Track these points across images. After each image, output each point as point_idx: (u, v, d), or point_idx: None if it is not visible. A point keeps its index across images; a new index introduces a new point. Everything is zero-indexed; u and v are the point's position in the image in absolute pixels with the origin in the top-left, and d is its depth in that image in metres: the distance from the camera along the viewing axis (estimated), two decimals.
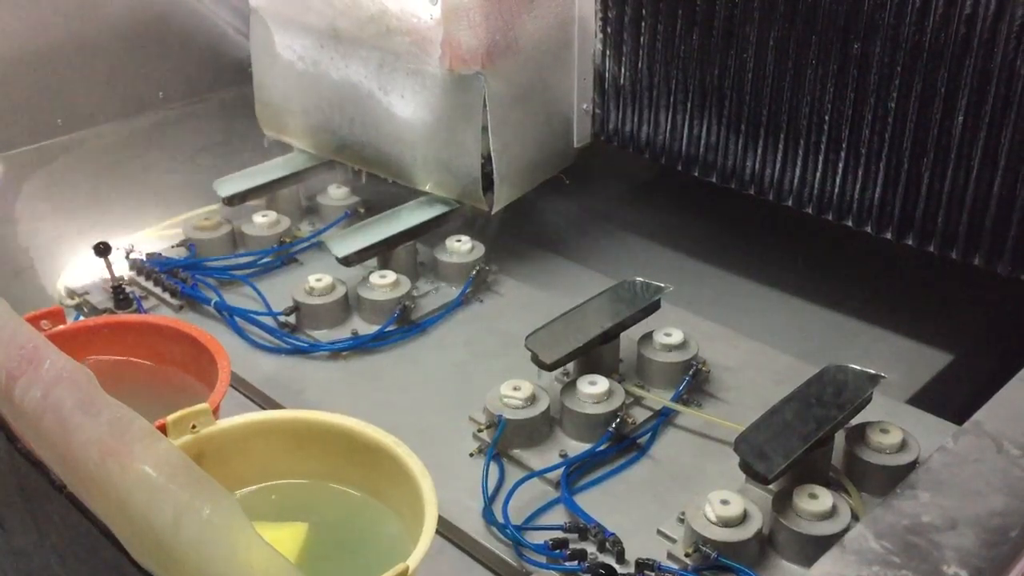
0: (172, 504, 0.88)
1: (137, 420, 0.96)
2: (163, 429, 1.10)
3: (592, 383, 1.50)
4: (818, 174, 1.72)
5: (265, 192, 2.05)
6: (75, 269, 1.89)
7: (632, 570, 1.27)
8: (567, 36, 1.92)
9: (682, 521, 1.31)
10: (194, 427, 1.14)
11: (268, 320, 1.77)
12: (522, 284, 1.93)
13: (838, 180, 1.69)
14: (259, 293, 1.84)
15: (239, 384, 1.64)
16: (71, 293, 1.84)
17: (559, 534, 1.32)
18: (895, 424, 1.40)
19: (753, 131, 1.78)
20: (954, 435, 1.03)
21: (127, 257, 1.88)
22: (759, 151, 1.78)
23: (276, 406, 1.59)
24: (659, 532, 1.34)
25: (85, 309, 1.80)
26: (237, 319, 1.77)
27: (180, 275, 1.85)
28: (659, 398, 1.56)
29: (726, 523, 1.27)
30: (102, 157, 2.27)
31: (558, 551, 1.29)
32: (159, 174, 2.27)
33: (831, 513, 1.27)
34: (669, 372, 1.59)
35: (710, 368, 1.63)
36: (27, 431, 1.02)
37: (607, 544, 1.30)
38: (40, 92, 2.22)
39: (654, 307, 1.64)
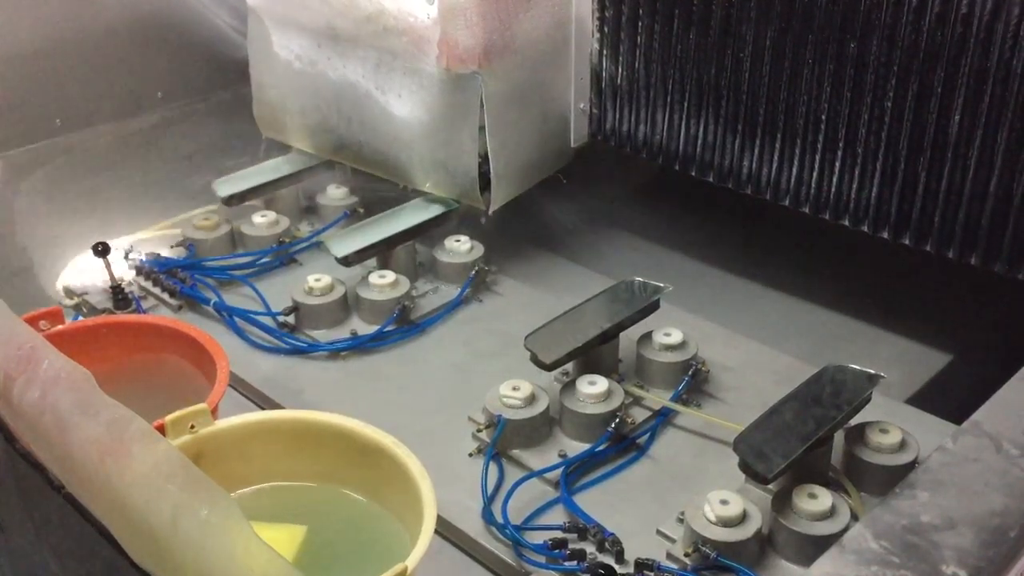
0: (170, 504, 0.88)
1: (136, 420, 0.95)
2: (162, 429, 1.10)
3: (591, 383, 1.50)
4: (815, 173, 1.72)
5: (264, 192, 2.05)
6: (74, 269, 1.89)
7: (631, 570, 1.27)
8: (564, 36, 1.92)
9: (681, 521, 1.31)
10: (193, 427, 1.14)
11: (267, 320, 1.77)
12: (521, 284, 1.93)
13: (835, 179, 1.70)
14: (258, 293, 1.84)
15: (238, 384, 1.64)
16: (70, 293, 1.84)
17: (558, 534, 1.32)
18: (894, 424, 1.40)
19: (750, 130, 1.78)
20: (953, 435, 1.03)
21: (126, 257, 1.88)
22: (756, 150, 1.78)
23: (275, 406, 1.59)
24: (658, 532, 1.34)
25: (84, 309, 1.80)
26: (236, 319, 1.77)
27: (179, 275, 1.85)
28: (658, 398, 1.56)
29: (725, 523, 1.27)
30: (101, 157, 2.27)
31: (557, 551, 1.29)
32: (158, 174, 2.27)
33: (830, 513, 1.27)
34: (668, 372, 1.59)
35: (709, 368, 1.63)
36: (25, 431, 1.02)
37: (606, 544, 1.30)
38: (39, 92, 2.22)
39: (653, 307, 1.64)
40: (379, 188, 2.05)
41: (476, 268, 1.88)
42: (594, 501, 1.40)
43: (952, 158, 1.56)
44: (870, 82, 1.60)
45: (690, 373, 1.59)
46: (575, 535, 1.32)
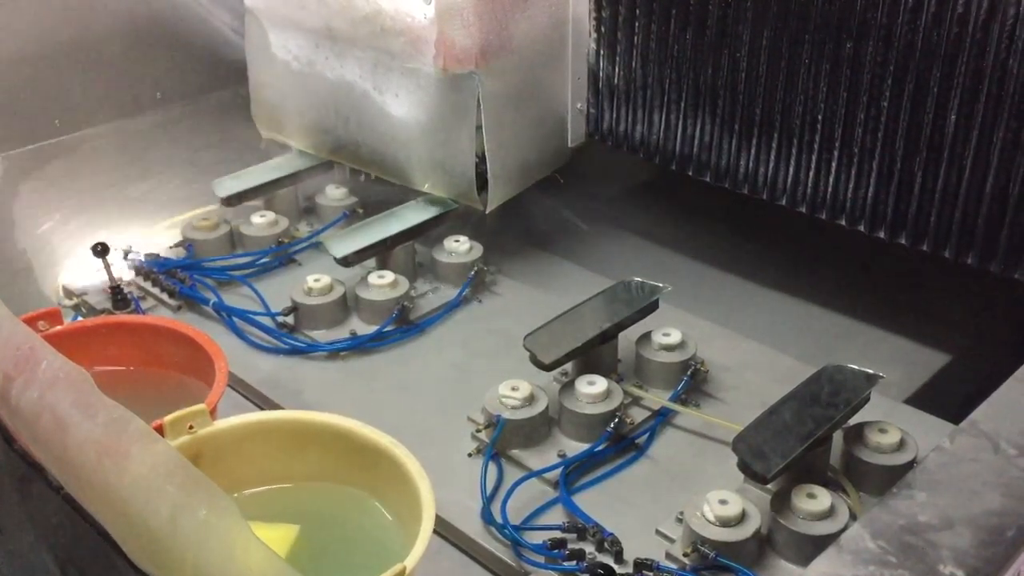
0: (169, 505, 0.88)
1: (134, 421, 0.95)
2: (160, 430, 1.10)
3: (590, 383, 1.50)
4: (812, 173, 1.72)
5: (263, 192, 2.05)
6: (73, 270, 1.89)
7: (631, 570, 1.27)
8: (561, 36, 1.92)
9: (680, 521, 1.31)
10: (191, 428, 1.14)
11: (266, 320, 1.77)
12: (520, 284, 1.93)
13: (831, 179, 1.70)
14: (257, 293, 1.84)
15: (237, 384, 1.64)
16: (69, 293, 1.84)
17: (558, 534, 1.32)
18: (893, 424, 1.40)
19: (746, 130, 1.78)
20: (951, 435, 1.03)
21: (125, 258, 1.88)
22: (752, 150, 1.78)
23: (275, 406, 1.59)
24: (658, 532, 1.34)
25: (83, 310, 1.80)
26: (235, 319, 1.77)
27: (178, 275, 1.85)
28: (657, 398, 1.56)
29: (724, 523, 1.27)
30: (100, 158, 2.27)
31: (556, 551, 1.29)
32: (157, 174, 2.27)
33: (829, 513, 1.27)
34: (667, 372, 1.59)
35: (708, 368, 1.63)
36: (24, 432, 1.02)
37: (605, 544, 1.30)
38: (38, 93, 2.22)
39: (652, 307, 1.64)
40: (378, 188, 2.05)
41: (475, 268, 1.88)
42: (593, 501, 1.40)
43: (948, 158, 1.56)
44: (866, 82, 1.61)
45: (689, 373, 1.59)
46: (574, 535, 1.32)
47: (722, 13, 1.74)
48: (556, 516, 1.38)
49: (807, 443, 1.30)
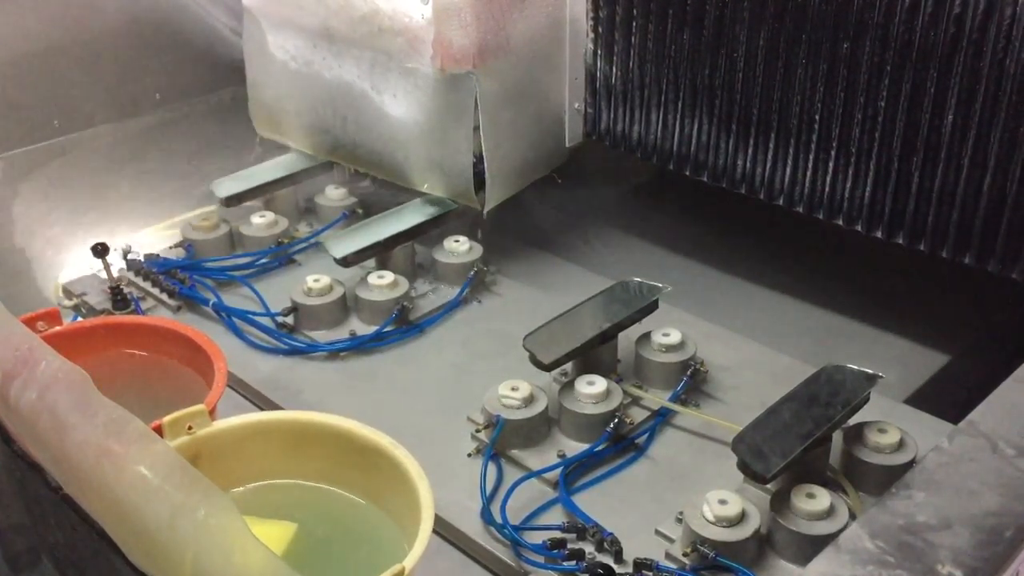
0: (168, 505, 0.88)
1: (133, 421, 0.96)
2: (159, 430, 1.10)
3: (590, 383, 1.50)
4: (808, 173, 1.72)
5: (263, 193, 2.05)
6: (73, 270, 1.89)
7: (630, 570, 1.27)
8: (559, 36, 1.93)
9: (680, 521, 1.31)
10: (190, 428, 1.14)
11: (266, 321, 1.77)
12: (520, 285, 1.93)
13: (828, 179, 1.70)
14: (257, 294, 1.84)
15: (237, 385, 1.64)
16: (69, 294, 1.84)
17: (557, 534, 1.32)
18: (893, 424, 1.40)
19: (744, 130, 1.78)
20: (949, 435, 1.03)
21: (125, 258, 1.88)
22: (750, 150, 1.78)
23: (274, 407, 1.59)
24: (657, 532, 1.34)
25: (83, 310, 1.80)
26: (235, 320, 1.77)
27: (178, 276, 1.85)
28: (657, 398, 1.56)
29: (724, 523, 1.27)
30: (99, 158, 2.27)
31: (556, 551, 1.29)
32: (156, 175, 2.27)
33: (829, 513, 1.27)
34: (667, 372, 1.59)
35: (708, 368, 1.63)
36: (23, 432, 1.02)
37: (605, 544, 1.30)
38: (37, 93, 2.22)
39: (652, 307, 1.64)
40: (378, 189, 2.05)
41: (475, 269, 1.88)
42: (593, 501, 1.40)
43: (945, 158, 1.56)
44: (863, 82, 1.61)
45: (689, 373, 1.59)
46: (574, 535, 1.32)
47: (719, 13, 1.75)
48: (556, 516, 1.38)
49: (807, 443, 1.30)
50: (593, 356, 1.58)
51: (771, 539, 1.30)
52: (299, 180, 2.11)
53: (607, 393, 1.50)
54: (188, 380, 1.41)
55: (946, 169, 1.56)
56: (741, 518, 1.27)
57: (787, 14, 1.66)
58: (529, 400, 1.48)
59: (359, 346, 1.73)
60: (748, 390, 1.60)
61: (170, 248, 1.96)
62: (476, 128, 1.82)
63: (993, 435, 1.02)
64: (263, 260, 1.95)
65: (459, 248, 1.90)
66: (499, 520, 1.34)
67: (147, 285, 1.86)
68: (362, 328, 1.76)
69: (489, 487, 1.40)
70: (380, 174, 2.01)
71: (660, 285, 1.65)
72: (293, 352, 1.73)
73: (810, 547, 1.25)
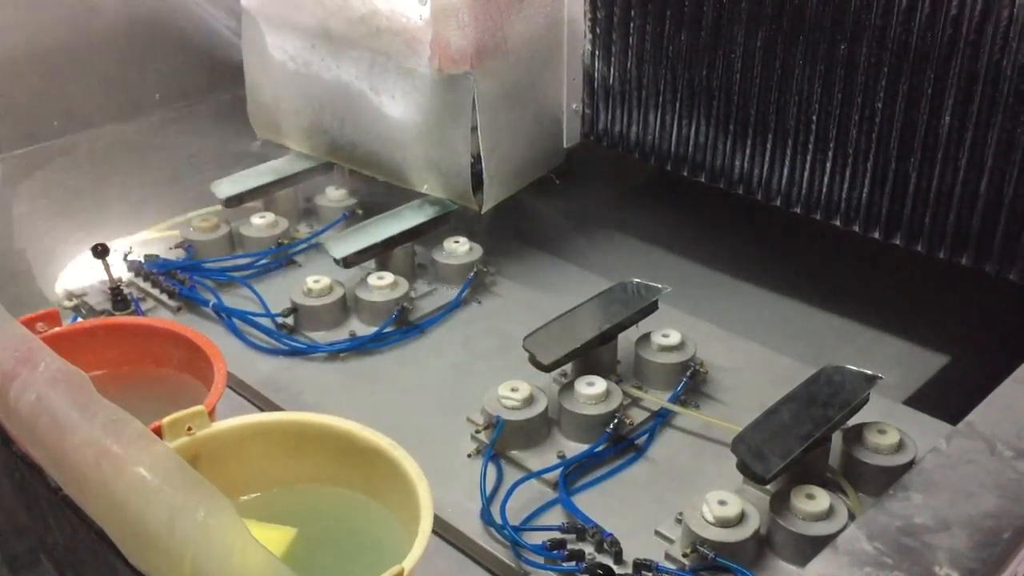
0: (167, 506, 0.88)
1: (132, 422, 0.96)
2: (159, 431, 1.10)
3: (590, 384, 1.50)
4: (806, 174, 1.72)
5: (263, 194, 2.05)
6: (73, 271, 1.89)
7: (630, 570, 1.27)
8: (556, 37, 1.93)
9: (680, 521, 1.31)
10: (190, 429, 1.14)
11: (266, 321, 1.77)
12: (520, 285, 1.93)
13: (826, 179, 1.70)
14: (257, 294, 1.84)
15: (237, 386, 1.64)
16: (69, 295, 1.84)
17: (557, 535, 1.32)
18: (892, 425, 1.40)
19: (741, 131, 1.78)
20: (947, 436, 1.03)
21: (125, 259, 1.88)
22: (747, 151, 1.79)
23: (274, 408, 1.59)
24: (657, 533, 1.34)
25: (83, 311, 1.80)
26: (235, 320, 1.77)
27: (178, 277, 1.86)
28: (657, 399, 1.56)
29: (724, 523, 1.27)
30: (99, 159, 2.27)
31: (556, 551, 1.29)
32: (156, 176, 2.27)
33: (828, 513, 1.27)
34: (667, 373, 1.59)
35: (708, 369, 1.63)
36: (22, 433, 1.02)
37: (605, 545, 1.30)
38: (37, 94, 2.22)
39: (652, 308, 1.64)
40: (378, 190, 2.06)
41: (475, 269, 1.88)
42: (592, 502, 1.40)
43: (942, 159, 1.56)
44: (860, 83, 1.61)
45: (688, 374, 1.59)
46: (574, 536, 1.32)
47: (717, 14, 1.75)
48: (555, 517, 1.38)
49: (806, 444, 1.30)
50: (593, 357, 1.58)
51: (770, 540, 1.30)
52: (299, 181, 2.11)
53: (607, 394, 1.50)
54: (187, 381, 1.41)
55: (943, 170, 1.57)
56: (741, 519, 1.27)
57: (785, 15, 1.66)
58: (529, 401, 1.48)
59: (359, 347, 1.73)
60: (747, 391, 1.60)
61: (170, 249, 1.96)
62: (474, 128, 1.82)
63: (991, 437, 1.02)
64: (263, 261, 1.95)
65: (459, 249, 1.90)
66: (499, 521, 1.34)
67: (147, 286, 1.86)
68: (362, 329, 1.76)
69: (489, 488, 1.40)
70: (379, 175, 2.02)
71: (660, 286, 1.65)
72: (293, 353, 1.73)
73: (810, 548, 1.25)
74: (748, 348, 1.73)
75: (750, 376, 1.65)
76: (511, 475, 1.44)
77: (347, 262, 1.80)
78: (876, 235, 1.67)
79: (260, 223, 1.99)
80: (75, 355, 1.10)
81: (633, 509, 1.39)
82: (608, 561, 1.29)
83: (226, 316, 1.78)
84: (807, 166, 1.71)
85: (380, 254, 1.85)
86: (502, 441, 1.47)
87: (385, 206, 1.96)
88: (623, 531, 1.32)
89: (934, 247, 1.61)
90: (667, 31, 1.83)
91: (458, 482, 1.42)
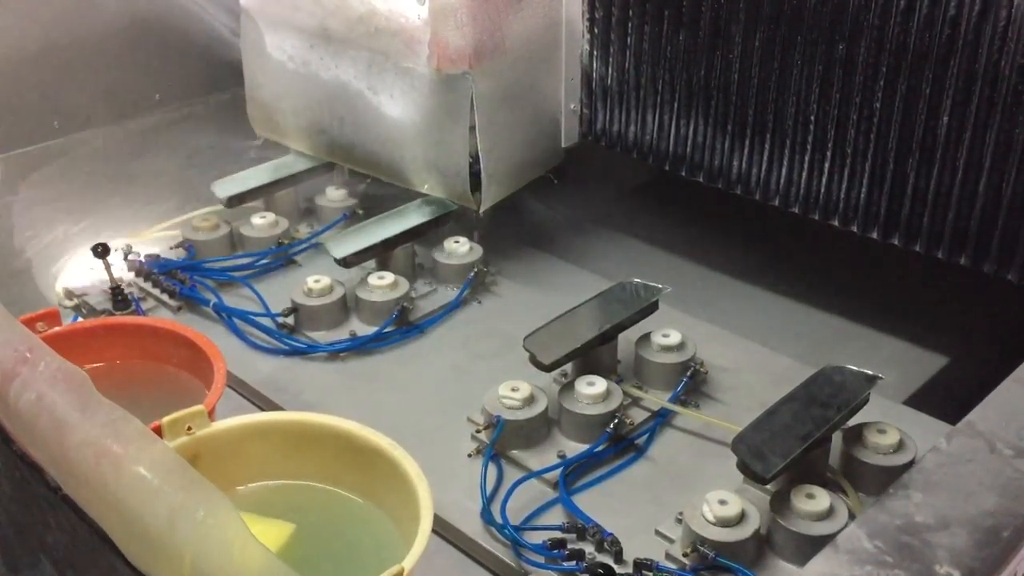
0: (167, 506, 0.88)
1: (132, 422, 0.96)
2: (158, 431, 1.10)
3: (590, 384, 1.50)
4: (804, 174, 1.72)
5: (263, 194, 2.05)
6: (74, 271, 1.89)
7: (630, 570, 1.28)
8: (554, 37, 1.93)
9: (680, 521, 1.31)
10: (189, 429, 1.14)
11: (266, 321, 1.77)
12: (520, 285, 1.93)
13: (824, 180, 1.70)
14: (257, 294, 1.84)
15: (237, 385, 1.64)
16: (70, 294, 1.84)
17: (557, 534, 1.32)
18: (892, 425, 1.40)
19: (739, 131, 1.78)
20: (947, 435, 1.03)
21: (126, 259, 1.88)
22: (745, 151, 1.79)
23: (275, 407, 1.59)
24: (657, 532, 1.34)
25: (84, 310, 1.80)
26: (236, 320, 1.77)
27: (179, 276, 1.86)
28: (657, 399, 1.56)
29: (724, 523, 1.27)
30: (99, 159, 2.27)
31: (556, 551, 1.29)
32: (157, 176, 2.27)
33: (828, 513, 1.28)
34: (667, 373, 1.59)
35: (708, 369, 1.63)
36: (22, 433, 1.02)
37: (605, 544, 1.30)
38: (37, 94, 2.22)
39: (652, 308, 1.64)
40: (378, 190, 2.06)
41: (475, 269, 1.88)
42: (593, 501, 1.40)
43: (941, 159, 1.56)
44: (859, 83, 1.61)
45: (688, 374, 1.59)
46: (574, 535, 1.32)
47: (715, 14, 1.75)
48: (556, 516, 1.38)
49: (806, 444, 1.30)
50: (593, 357, 1.58)
51: (771, 539, 1.30)
52: (300, 181, 2.11)
53: (607, 394, 1.50)
54: (187, 381, 1.41)
55: (941, 170, 1.57)
56: (741, 518, 1.28)
57: (783, 15, 1.66)
58: (529, 401, 1.48)
59: (359, 347, 1.73)
60: (748, 391, 1.61)
61: (171, 249, 1.96)
62: (472, 128, 1.82)
63: (991, 436, 1.02)
64: (264, 261, 1.95)
65: (459, 249, 1.90)
66: (499, 520, 1.34)
67: (148, 286, 1.86)
68: (362, 329, 1.76)
69: (489, 487, 1.41)
70: (378, 174, 2.02)
71: (660, 286, 1.66)
72: (293, 353, 1.73)
73: (810, 547, 1.25)
74: (748, 348, 1.73)
75: (750, 376, 1.65)
76: (511, 475, 1.44)
77: (347, 262, 1.80)
78: (874, 235, 1.67)
79: (260, 223, 1.99)
80: (75, 355, 1.10)
81: (633, 509, 1.39)
82: (608, 561, 1.29)
83: (227, 316, 1.78)
84: (805, 166, 1.71)
85: (380, 254, 1.85)
86: (502, 441, 1.47)
87: (385, 206, 1.96)
88: (623, 531, 1.32)
89: (932, 247, 1.62)
90: (665, 31, 1.83)
91: (458, 482, 1.42)
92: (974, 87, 1.49)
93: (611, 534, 1.31)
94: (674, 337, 1.61)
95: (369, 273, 1.81)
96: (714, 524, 1.27)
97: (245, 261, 1.95)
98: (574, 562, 1.28)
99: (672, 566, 1.28)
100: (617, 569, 1.26)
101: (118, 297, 1.79)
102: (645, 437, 1.52)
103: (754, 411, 1.37)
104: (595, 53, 1.95)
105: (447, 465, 1.46)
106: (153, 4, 2.38)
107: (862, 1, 1.56)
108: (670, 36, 1.82)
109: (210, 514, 0.88)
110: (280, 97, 2.11)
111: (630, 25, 1.88)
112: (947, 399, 1.60)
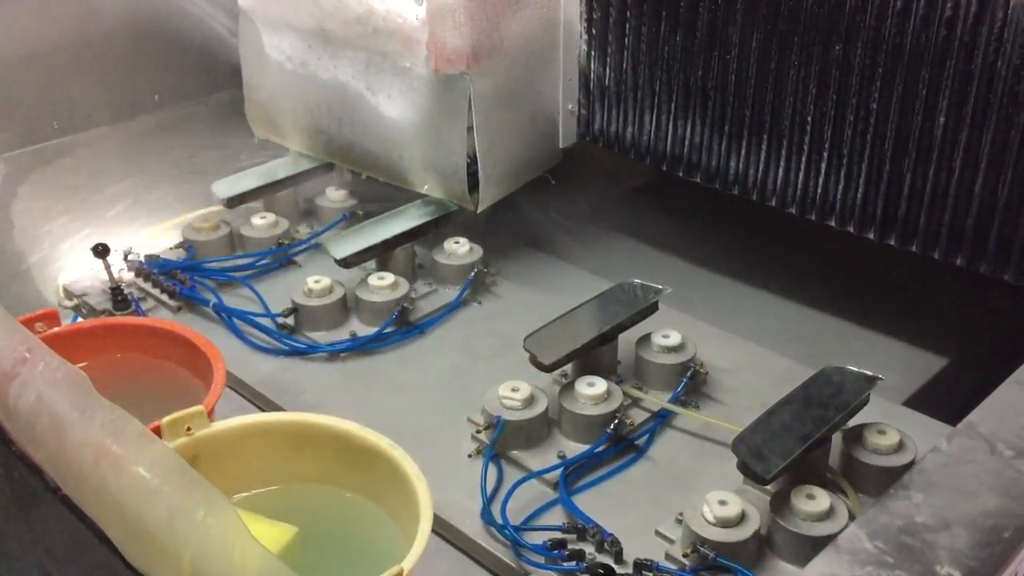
0: (166, 506, 0.88)
1: (132, 422, 0.96)
2: (158, 431, 1.11)
3: (590, 384, 1.50)
4: (801, 174, 1.72)
5: (263, 194, 2.05)
6: (73, 271, 1.89)
7: (630, 570, 1.28)
8: (552, 37, 1.93)
9: (680, 522, 1.31)
10: (189, 429, 1.14)
11: (266, 322, 1.77)
12: (520, 286, 1.93)
13: (821, 180, 1.70)
14: (257, 295, 1.84)
15: (237, 386, 1.64)
16: (69, 295, 1.84)
17: (557, 535, 1.32)
18: (892, 425, 1.40)
19: (736, 131, 1.78)
20: (948, 436, 1.03)
21: (125, 259, 1.88)
22: (743, 151, 1.79)
23: (275, 408, 1.59)
24: (657, 533, 1.34)
25: (83, 311, 1.80)
26: (236, 321, 1.77)
27: (178, 277, 1.85)
28: (657, 399, 1.56)
29: (724, 524, 1.27)
30: (99, 159, 2.27)
31: (556, 551, 1.29)
32: (156, 176, 2.26)
33: (829, 514, 1.27)
34: (667, 374, 1.59)
35: (708, 370, 1.63)
36: (21, 433, 1.02)
37: (605, 544, 1.30)
38: (36, 94, 2.22)
39: (652, 309, 1.64)
40: (378, 190, 2.06)
41: (475, 270, 1.88)
42: (593, 502, 1.40)
43: (937, 160, 1.56)
44: (855, 84, 1.61)
45: (689, 375, 1.59)
46: (574, 535, 1.32)
47: (712, 15, 1.75)
48: (556, 517, 1.38)
49: (806, 444, 1.30)
50: (593, 357, 1.58)
51: (771, 540, 1.30)
52: (300, 181, 2.11)
53: (607, 394, 1.50)
54: (187, 381, 1.41)
55: (937, 171, 1.57)
56: (741, 519, 1.27)
57: (780, 16, 1.66)
58: (529, 401, 1.48)
59: (359, 347, 1.73)
60: (748, 392, 1.61)
61: (171, 249, 1.96)
62: (470, 129, 1.82)
63: (992, 436, 1.02)
64: (264, 261, 1.95)
65: (459, 249, 1.90)
66: (499, 521, 1.34)
67: (147, 286, 1.86)
68: (362, 329, 1.76)
69: (489, 488, 1.40)
70: (378, 175, 2.02)
71: (660, 287, 1.65)
72: (293, 353, 1.73)
73: (810, 548, 1.25)
74: (748, 348, 1.73)
75: (750, 377, 1.65)
76: (511, 475, 1.44)
77: (347, 262, 1.80)
78: (871, 235, 1.67)
79: (260, 223, 1.99)
80: (75, 355, 1.10)
81: (633, 509, 1.39)
82: (609, 561, 1.29)
83: (226, 316, 1.78)
84: (802, 166, 1.71)
85: (380, 254, 1.85)
86: (502, 441, 1.47)
87: (385, 207, 1.96)
88: (623, 531, 1.32)
89: (928, 248, 1.61)
90: (663, 32, 1.83)
91: (458, 482, 1.42)
92: (970, 88, 1.49)
93: (611, 534, 1.31)
94: (674, 338, 1.61)
95: (369, 273, 1.81)
96: (714, 524, 1.27)
97: (245, 261, 1.95)
98: (574, 562, 1.28)
99: (672, 566, 1.28)
100: (617, 569, 1.26)
101: (118, 297, 1.79)
102: (645, 438, 1.52)
103: (754, 412, 1.37)
104: (593, 54, 1.95)
105: (447, 465, 1.46)
106: (152, 5, 2.37)
107: (859, 2, 1.56)
108: (668, 37, 1.82)
109: (209, 515, 0.88)
110: (279, 98, 2.11)
111: (628, 26, 1.88)
112: (947, 400, 1.60)
